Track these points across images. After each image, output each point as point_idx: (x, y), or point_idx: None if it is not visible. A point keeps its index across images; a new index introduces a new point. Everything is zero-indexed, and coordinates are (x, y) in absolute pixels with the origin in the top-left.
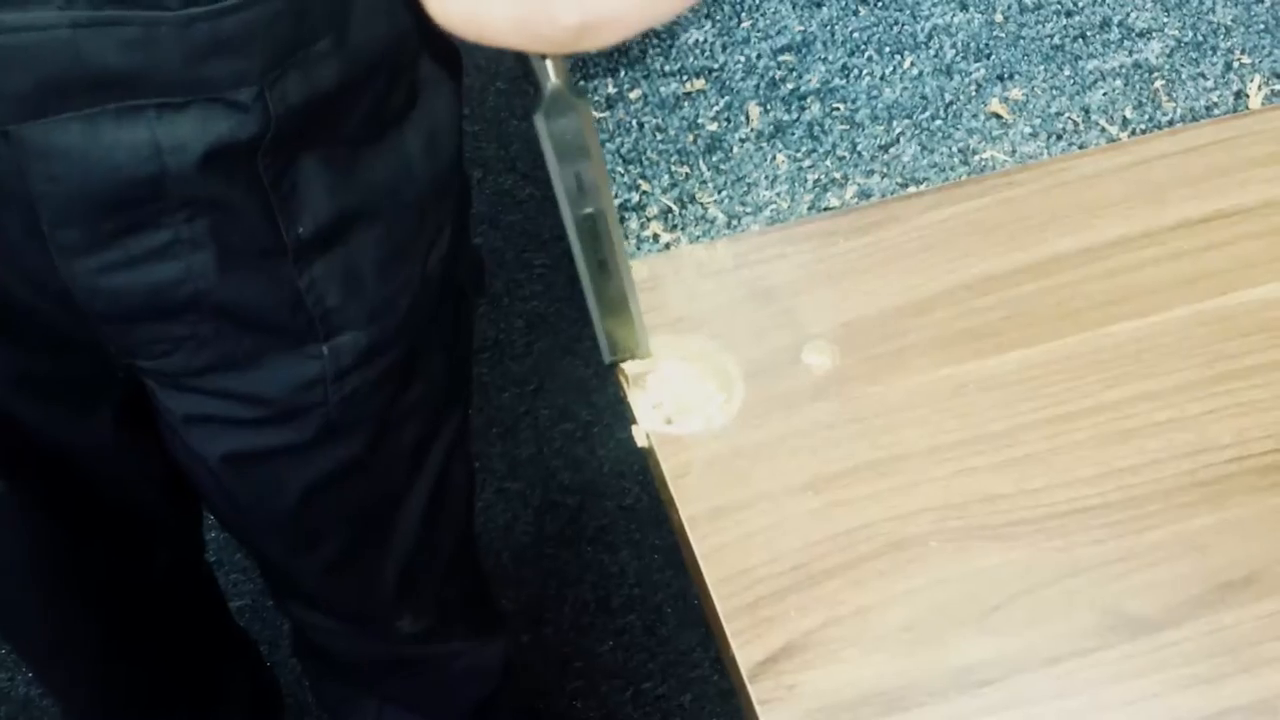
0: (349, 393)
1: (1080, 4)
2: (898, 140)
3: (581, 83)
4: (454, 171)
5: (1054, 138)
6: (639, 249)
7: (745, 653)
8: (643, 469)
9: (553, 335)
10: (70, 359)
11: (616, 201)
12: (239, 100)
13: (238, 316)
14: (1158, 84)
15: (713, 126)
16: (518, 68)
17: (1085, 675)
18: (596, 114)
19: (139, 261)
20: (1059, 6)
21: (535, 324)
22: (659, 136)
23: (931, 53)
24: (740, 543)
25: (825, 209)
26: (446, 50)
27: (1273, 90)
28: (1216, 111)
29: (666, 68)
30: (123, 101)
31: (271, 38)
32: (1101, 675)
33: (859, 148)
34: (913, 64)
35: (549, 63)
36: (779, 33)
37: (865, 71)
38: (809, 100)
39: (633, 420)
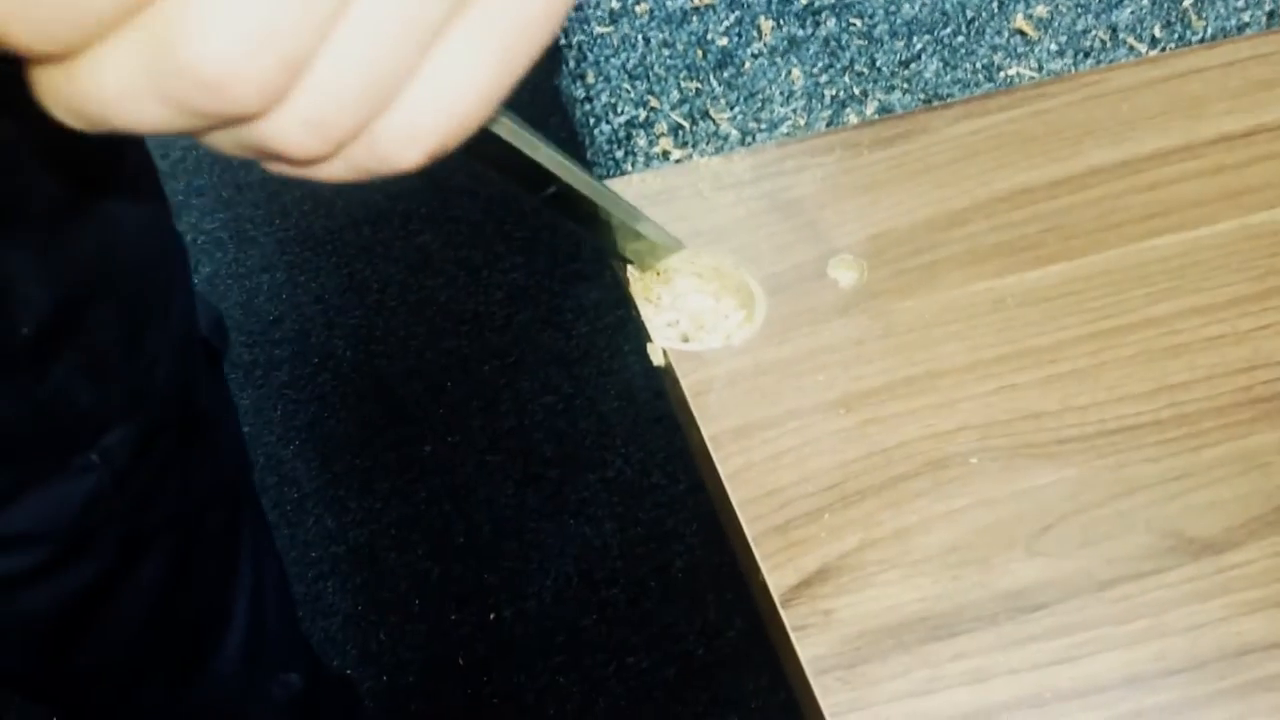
0: (136, 496)
1: None
2: (919, 56)
3: None
4: (164, 215)
5: (1081, 55)
6: (648, 166)
7: (776, 577)
8: (625, 441)
9: (533, 308)
10: None
11: (623, 118)
12: None
13: None
14: (1187, 3)
15: (723, 41)
16: None
17: (1144, 599)
18: (600, 29)
19: None
20: None
21: (515, 296)
22: (667, 52)
23: None
24: (768, 462)
25: (844, 125)
26: None
27: None
28: (1248, 31)
29: None
30: None
31: None
32: (1161, 599)
33: (878, 63)
34: None
35: None
36: None
37: None
38: (824, 15)
39: (646, 338)
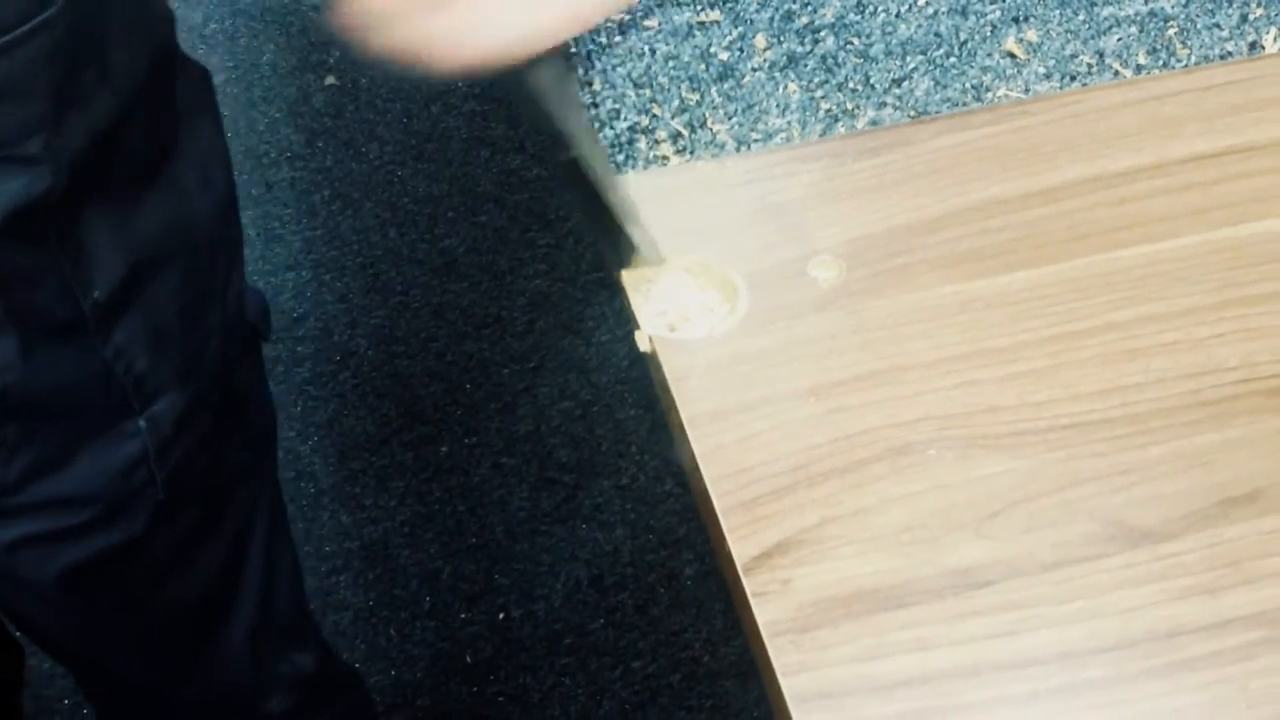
0: (174, 467)
1: None
2: (911, 75)
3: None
4: (232, 201)
5: (1068, 78)
6: (648, 169)
7: (740, 547)
8: (641, 449)
9: (554, 314)
10: None
11: (626, 124)
12: (28, 154)
13: (47, 408)
14: (1171, 31)
15: (725, 56)
16: None
17: (1083, 582)
18: (609, 39)
19: None
20: None
21: (537, 302)
22: (671, 63)
23: None
24: (740, 444)
25: (834, 136)
26: (199, 74)
27: None
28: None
29: None
30: None
31: (52, 74)
32: (1099, 583)
33: (872, 80)
34: (928, 3)
35: None
36: None
37: (880, 9)
38: (823, 34)
39: (635, 326)
